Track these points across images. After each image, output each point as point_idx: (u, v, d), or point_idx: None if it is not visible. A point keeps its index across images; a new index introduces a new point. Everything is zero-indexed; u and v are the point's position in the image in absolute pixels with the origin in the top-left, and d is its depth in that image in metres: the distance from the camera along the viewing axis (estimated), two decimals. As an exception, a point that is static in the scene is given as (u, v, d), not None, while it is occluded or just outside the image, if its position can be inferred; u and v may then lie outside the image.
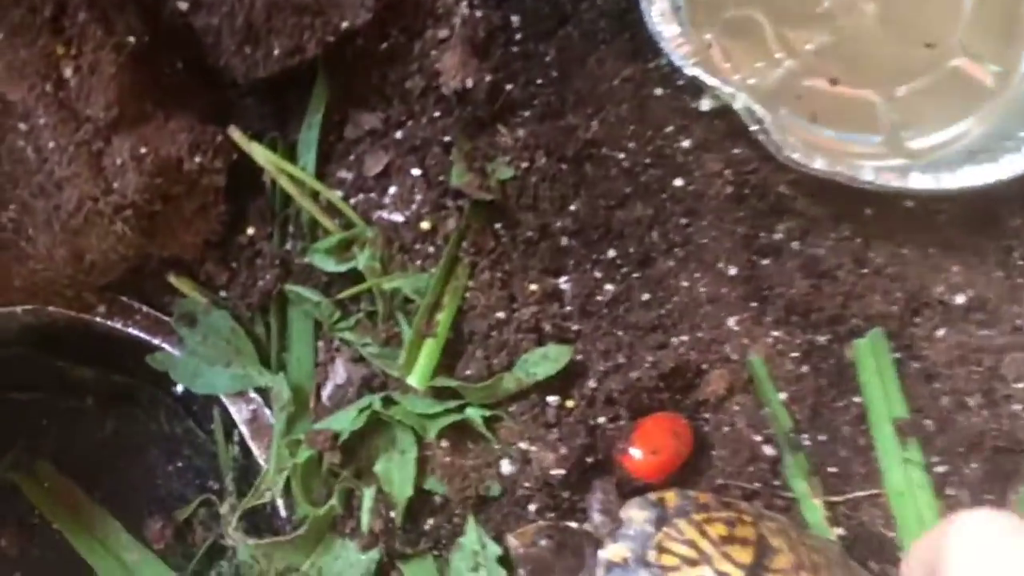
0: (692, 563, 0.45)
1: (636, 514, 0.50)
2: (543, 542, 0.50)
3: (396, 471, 0.53)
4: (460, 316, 0.53)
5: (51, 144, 0.43)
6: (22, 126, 0.42)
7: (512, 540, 0.50)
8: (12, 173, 0.43)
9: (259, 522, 0.54)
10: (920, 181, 0.54)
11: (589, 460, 0.54)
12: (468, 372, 0.53)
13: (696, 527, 0.48)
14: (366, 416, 0.51)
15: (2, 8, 0.41)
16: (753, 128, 0.54)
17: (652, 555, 0.47)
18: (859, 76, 0.59)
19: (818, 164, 0.54)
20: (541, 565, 0.49)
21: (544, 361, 0.53)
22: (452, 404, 0.52)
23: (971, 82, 0.59)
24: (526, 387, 0.53)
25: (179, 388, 0.57)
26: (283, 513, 0.53)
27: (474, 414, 0.52)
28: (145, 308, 0.53)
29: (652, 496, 0.52)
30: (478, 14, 0.57)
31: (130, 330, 0.52)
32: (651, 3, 0.56)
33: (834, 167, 0.54)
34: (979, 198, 0.57)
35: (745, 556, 0.46)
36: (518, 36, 0.59)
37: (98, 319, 0.51)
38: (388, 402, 0.52)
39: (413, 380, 0.50)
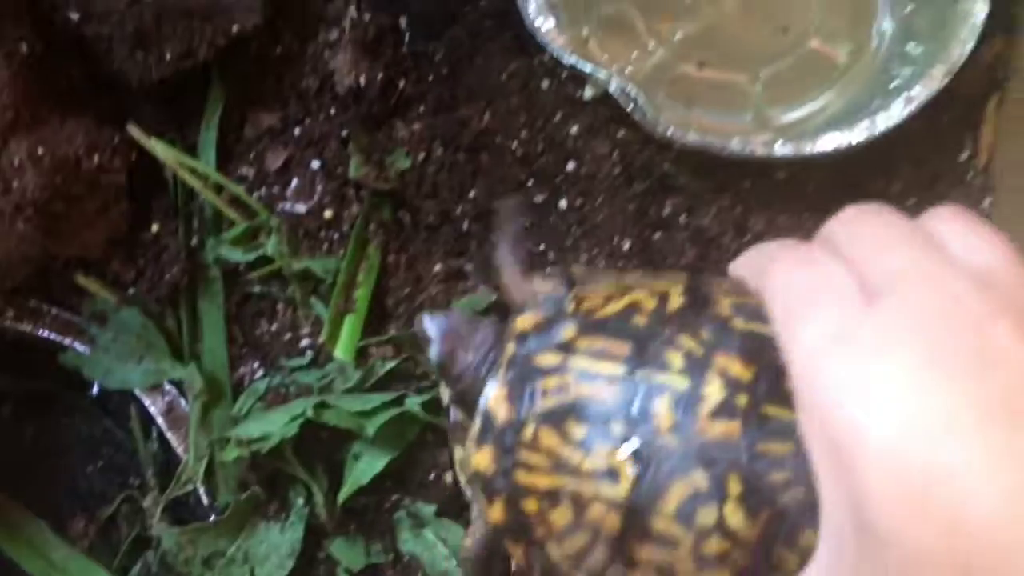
0: (620, 294, 0.42)
1: (542, 285, 0.46)
2: (455, 315, 0.47)
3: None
4: (377, 294, 0.56)
5: (-52, 147, 0.44)
6: (-82, 130, 0.44)
7: (426, 320, 0.46)
8: (-89, 177, 0.44)
9: (182, 512, 0.55)
10: (783, 149, 0.59)
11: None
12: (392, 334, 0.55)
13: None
14: (299, 424, 0.52)
15: None
16: (629, 108, 0.58)
17: (570, 307, 0.42)
18: (726, 60, 0.64)
19: (691, 138, 0.58)
20: (454, 336, 0.45)
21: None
22: (390, 396, 0.53)
23: (826, 60, 0.64)
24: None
25: (95, 389, 0.58)
26: (205, 501, 0.54)
27: (413, 404, 0.53)
28: (54, 310, 0.54)
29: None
30: (366, 17, 0.60)
31: (41, 332, 0.53)
32: (527, 1, 0.60)
33: (705, 139, 0.58)
34: (843, 166, 0.62)
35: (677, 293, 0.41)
36: (407, 37, 0.62)
37: (7, 323, 0.53)
38: (323, 406, 0.53)
39: (339, 353, 0.52)
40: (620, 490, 0.37)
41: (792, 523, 0.35)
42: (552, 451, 0.38)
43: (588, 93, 0.63)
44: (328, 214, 0.56)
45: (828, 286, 0.29)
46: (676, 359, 0.38)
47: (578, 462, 0.38)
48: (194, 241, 0.56)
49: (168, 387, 0.55)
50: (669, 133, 0.58)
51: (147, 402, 0.54)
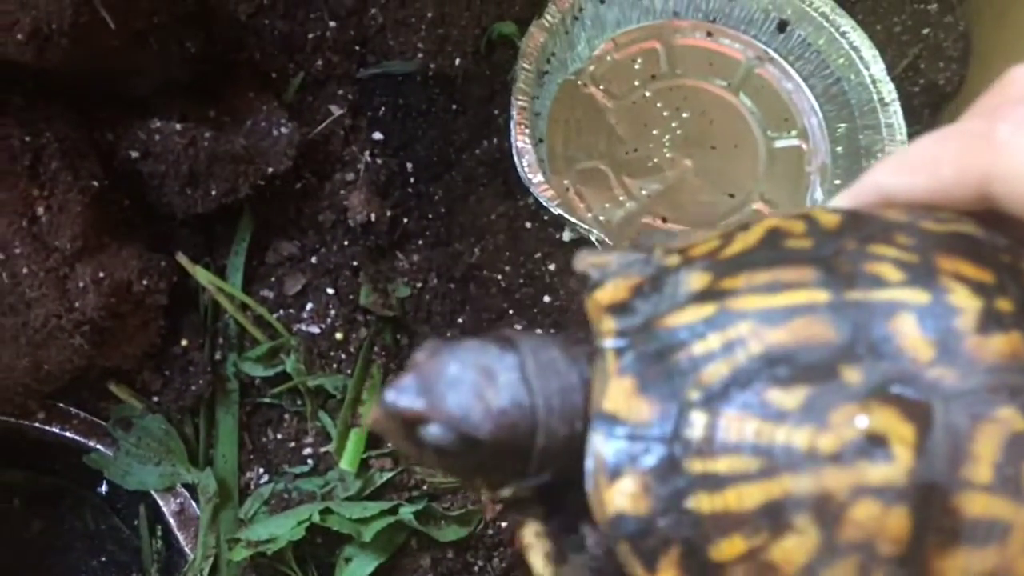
0: (739, 229, 0.29)
1: (600, 257, 0.31)
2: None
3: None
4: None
5: (24, 270, 0.50)
6: (0, 256, 0.49)
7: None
8: (-14, 296, 0.49)
9: (183, 609, 0.59)
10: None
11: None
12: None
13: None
14: (305, 527, 0.57)
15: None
16: (604, 256, 0.67)
17: (672, 259, 0.29)
18: (682, 215, 0.74)
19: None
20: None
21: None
22: (387, 505, 0.58)
23: (767, 220, 0.75)
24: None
25: (104, 488, 0.62)
26: (207, 598, 0.58)
27: (406, 513, 0.58)
28: (82, 414, 0.58)
29: None
30: (379, 161, 0.69)
31: (67, 434, 0.57)
32: (521, 156, 0.70)
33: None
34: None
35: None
36: (412, 179, 0.71)
37: (36, 424, 0.57)
38: (326, 512, 0.58)
39: (344, 464, 0.58)
40: (898, 466, 0.24)
41: None
42: (755, 442, 0.25)
43: (567, 236, 0.73)
44: (339, 336, 0.63)
45: None
46: (888, 270, 0.26)
47: (809, 443, 0.24)
48: (217, 355, 0.61)
49: (181, 489, 0.59)
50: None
51: (161, 503, 0.58)
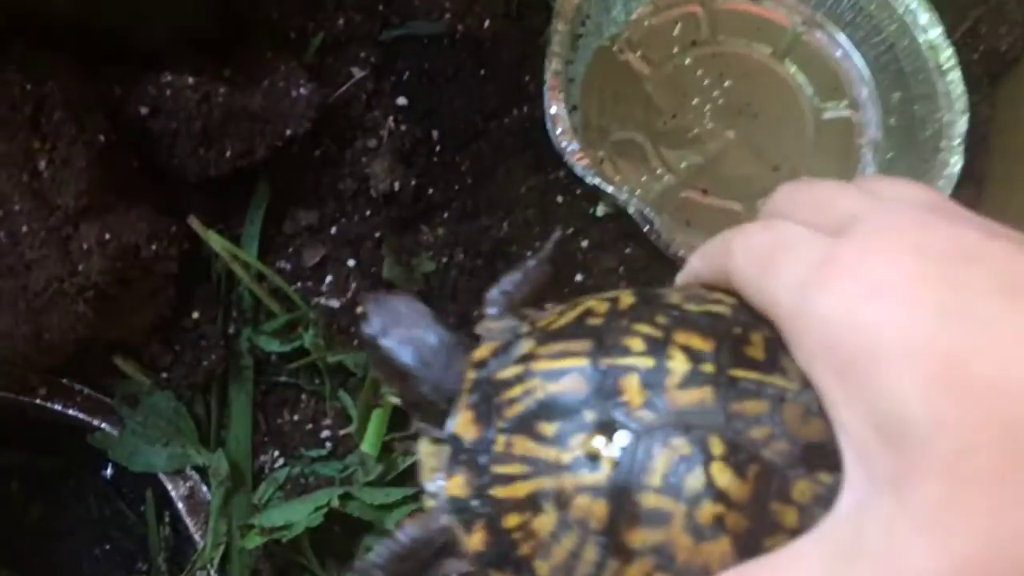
0: (572, 307, 0.43)
1: (495, 323, 0.47)
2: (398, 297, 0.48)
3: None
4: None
5: (24, 228, 0.46)
6: (-2, 212, 0.45)
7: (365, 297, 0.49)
8: (-17, 256, 0.45)
9: (191, 601, 0.55)
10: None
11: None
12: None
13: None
14: (323, 514, 0.53)
15: (-17, 105, 0.45)
16: (645, 228, 0.63)
17: (525, 329, 0.44)
18: (725, 189, 0.70)
19: (698, 260, 0.63)
20: (390, 314, 0.47)
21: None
22: (410, 491, 0.55)
23: (814, 196, 0.71)
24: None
25: (108, 470, 0.58)
26: (217, 589, 0.54)
27: None
28: (86, 390, 0.54)
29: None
30: (403, 128, 0.65)
31: (70, 411, 0.53)
32: (555, 123, 0.65)
33: (711, 263, 0.63)
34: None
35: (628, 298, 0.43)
36: (438, 148, 0.66)
37: (37, 401, 0.53)
38: (346, 497, 0.54)
39: (365, 447, 0.54)
40: (601, 474, 0.36)
41: (782, 476, 0.35)
42: (527, 455, 0.38)
43: (601, 210, 0.69)
44: (360, 310, 0.58)
45: (793, 236, 0.32)
46: (636, 343, 0.38)
47: (555, 457, 0.37)
48: (231, 329, 0.57)
49: (190, 472, 0.55)
50: (680, 254, 0.63)
51: (169, 486, 0.54)
